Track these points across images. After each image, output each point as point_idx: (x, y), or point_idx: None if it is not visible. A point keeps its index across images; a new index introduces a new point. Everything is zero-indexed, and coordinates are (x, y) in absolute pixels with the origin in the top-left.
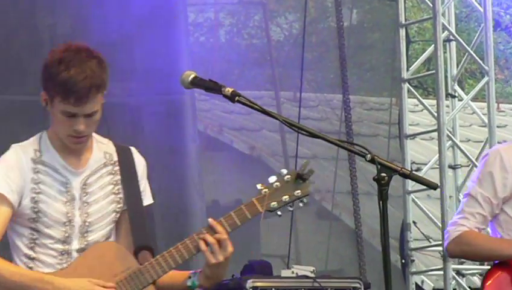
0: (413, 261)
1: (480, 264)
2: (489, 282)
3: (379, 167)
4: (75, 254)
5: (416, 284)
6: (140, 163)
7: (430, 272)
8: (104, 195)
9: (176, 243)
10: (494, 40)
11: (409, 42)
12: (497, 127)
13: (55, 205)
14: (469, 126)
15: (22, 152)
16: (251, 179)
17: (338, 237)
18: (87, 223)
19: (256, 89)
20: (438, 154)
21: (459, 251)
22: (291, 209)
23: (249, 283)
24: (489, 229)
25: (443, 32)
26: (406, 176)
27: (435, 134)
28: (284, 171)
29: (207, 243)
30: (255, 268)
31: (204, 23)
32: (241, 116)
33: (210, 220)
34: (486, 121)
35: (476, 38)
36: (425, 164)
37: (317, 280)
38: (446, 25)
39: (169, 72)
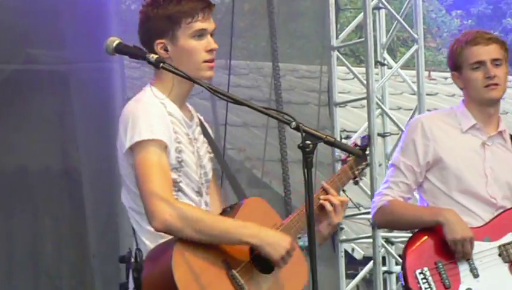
0: (342, 229)
1: (411, 232)
2: (411, 248)
3: (304, 134)
4: (204, 207)
5: (346, 252)
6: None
7: (359, 240)
8: (205, 151)
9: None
10: (426, 8)
11: (338, 10)
12: (428, 95)
13: (190, 155)
14: (400, 94)
15: (159, 102)
16: None
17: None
18: (202, 175)
19: None
20: (367, 122)
21: (384, 221)
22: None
23: None
24: (417, 197)
25: (373, 0)
26: (331, 143)
27: (365, 102)
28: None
29: (332, 204)
30: None
31: None
32: None
33: (324, 183)
34: (415, 89)
35: (405, 6)
36: (356, 132)
37: None
38: None
39: (98, 40)
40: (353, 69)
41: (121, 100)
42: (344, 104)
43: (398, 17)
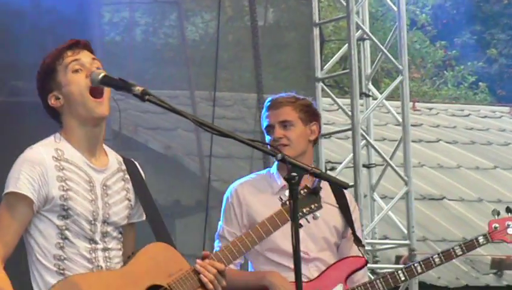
0: None
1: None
2: None
3: (289, 166)
4: (100, 254)
5: None
6: (143, 176)
7: None
8: (121, 199)
9: None
10: (410, 39)
11: (323, 41)
12: (413, 126)
13: (84, 203)
14: (385, 125)
15: (43, 151)
16: (166, 179)
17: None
18: (106, 224)
19: (171, 88)
20: (352, 154)
21: None
22: (307, 220)
23: None
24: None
25: (357, 31)
26: (317, 175)
27: (350, 133)
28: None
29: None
30: None
31: (120, 22)
32: (156, 115)
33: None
34: (400, 119)
35: (389, 37)
36: (341, 163)
37: None
38: (360, 23)
39: None
40: (338, 100)
41: (105, 132)
42: (329, 135)
43: (383, 48)
